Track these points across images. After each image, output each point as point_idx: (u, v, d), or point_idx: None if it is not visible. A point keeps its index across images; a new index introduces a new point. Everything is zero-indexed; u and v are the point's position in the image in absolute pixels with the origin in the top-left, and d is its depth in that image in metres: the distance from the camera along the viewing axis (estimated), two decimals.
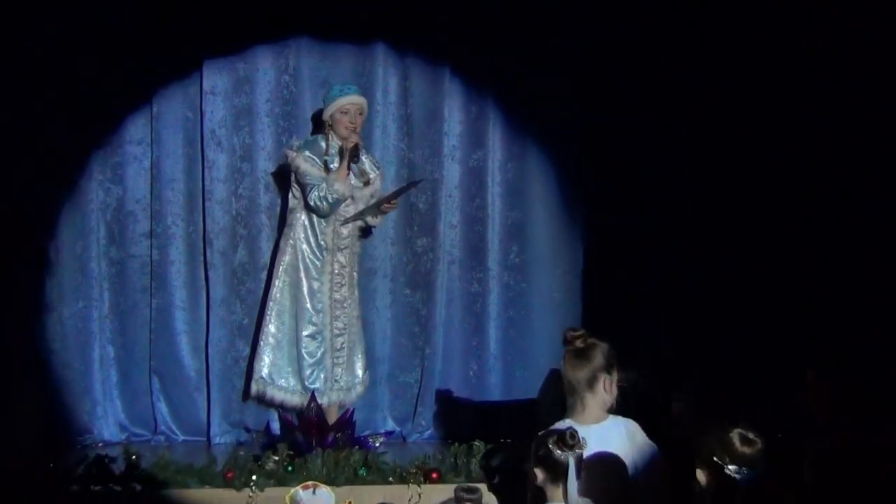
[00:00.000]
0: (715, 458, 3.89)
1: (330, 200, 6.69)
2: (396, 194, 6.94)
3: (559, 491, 4.73)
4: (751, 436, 3.90)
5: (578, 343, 4.95)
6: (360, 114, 6.86)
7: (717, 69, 7.23)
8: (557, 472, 4.73)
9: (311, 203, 6.72)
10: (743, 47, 7.15)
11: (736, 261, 7.23)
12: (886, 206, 6.35)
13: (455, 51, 7.58)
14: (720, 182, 7.31)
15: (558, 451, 4.76)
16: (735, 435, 3.89)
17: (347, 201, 6.81)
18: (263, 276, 7.40)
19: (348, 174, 6.76)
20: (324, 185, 6.68)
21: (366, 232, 7.12)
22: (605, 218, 7.60)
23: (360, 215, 6.84)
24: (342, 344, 6.92)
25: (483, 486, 5.71)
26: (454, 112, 7.66)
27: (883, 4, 6.30)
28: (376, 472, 6.11)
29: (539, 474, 4.88)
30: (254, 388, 6.99)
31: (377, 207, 6.85)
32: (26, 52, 6.93)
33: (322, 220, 6.82)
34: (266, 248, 7.45)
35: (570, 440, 4.76)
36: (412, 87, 7.59)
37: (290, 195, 6.90)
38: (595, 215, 7.67)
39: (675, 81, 7.37)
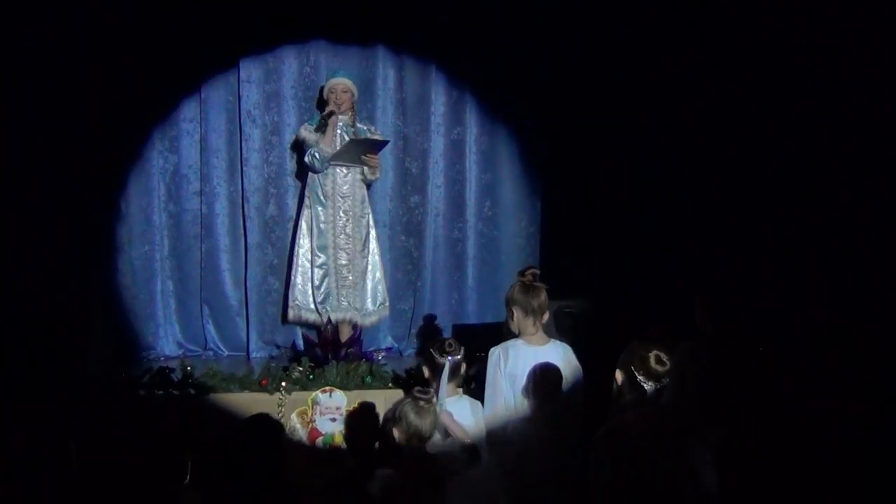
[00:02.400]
0: (632, 367, 3.83)
1: (318, 157, 6.77)
2: (365, 142, 6.85)
3: (435, 387, 4.74)
4: (664, 358, 3.82)
5: (538, 282, 4.92)
6: (345, 92, 6.89)
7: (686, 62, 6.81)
8: (436, 373, 4.76)
9: (306, 160, 6.83)
10: (735, 47, 6.50)
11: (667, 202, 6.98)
12: (886, 207, 5.61)
13: (440, 49, 7.49)
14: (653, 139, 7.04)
15: (437, 356, 4.76)
16: (652, 355, 3.82)
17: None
18: (290, 225, 7.36)
19: (334, 139, 6.84)
20: (314, 147, 6.76)
21: (367, 186, 7.04)
22: (557, 180, 7.53)
23: (337, 157, 6.80)
24: (347, 271, 6.92)
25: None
26: (439, 96, 7.58)
27: (883, 4, 5.65)
28: (379, 379, 6.16)
29: (426, 371, 4.89)
30: (290, 313, 7.04)
31: (352, 154, 6.79)
32: (99, 51, 6.87)
33: (321, 175, 6.85)
34: (291, 203, 7.41)
35: (447, 348, 4.77)
36: (406, 77, 7.52)
37: None
38: (550, 178, 7.59)
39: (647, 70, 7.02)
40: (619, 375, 3.91)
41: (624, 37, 7.07)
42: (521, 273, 4.99)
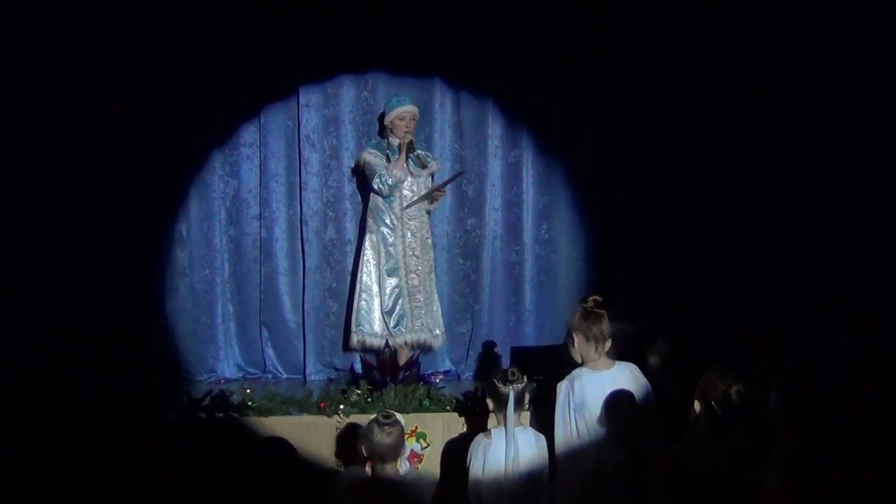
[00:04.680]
0: (712, 403, 3.85)
1: (390, 183, 6.75)
2: (445, 183, 6.98)
3: (502, 417, 4.74)
4: (745, 393, 3.86)
5: (604, 310, 4.87)
6: (413, 119, 6.90)
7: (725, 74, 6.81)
8: (500, 403, 4.74)
9: (375, 186, 6.80)
10: (752, 47, 6.61)
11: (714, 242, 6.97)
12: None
13: (497, 75, 7.46)
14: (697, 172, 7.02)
15: (501, 386, 4.74)
16: (734, 391, 3.84)
17: (409, 181, 6.85)
18: (348, 248, 7.40)
19: (406, 163, 6.81)
20: (384, 171, 6.74)
21: (428, 212, 7.10)
22: (615, 203, 7.43)
23: (417, 201, 6.85)
24: (418, 293, 6.93)
25: None
26: (496, 119, 7.55)
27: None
28: (437, 403, 6.13)
29: (489, 402, 4.87)
30: (354, 338, 6.98)
31: (430, 195, 6.89)
32: (162, 78, 6.97)
33: (388, 200, 6.85)
34: (350, 227, 7.43)
35: (510, 377, 4.76)
36: (463, 100, 7.52)
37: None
38: (608, 201, 7.48)
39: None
40: (697, 405, 3.94)
41: (677, 61, 7.05)
42: (583, 300, 4.96)
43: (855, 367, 4.57)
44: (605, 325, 4.82)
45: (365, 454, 4.42)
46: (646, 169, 7.25)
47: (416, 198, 6.86)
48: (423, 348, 7.03)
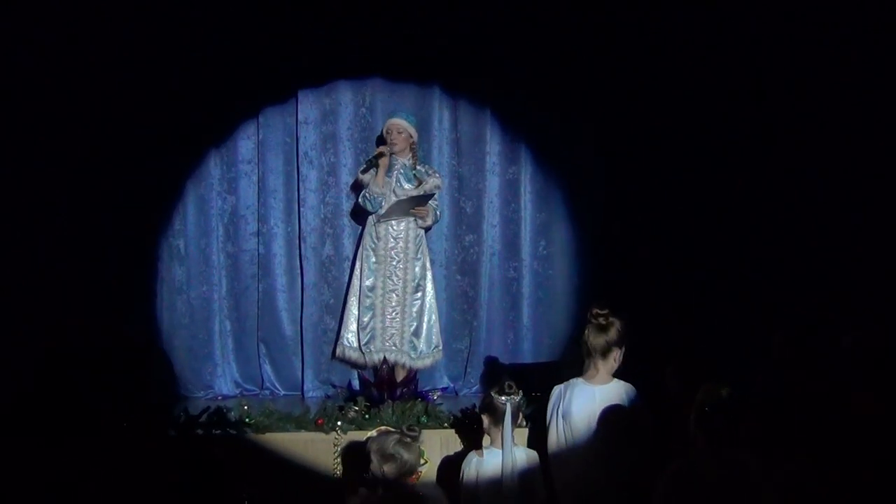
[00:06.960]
0: (705, 407, 3.83)
1: (369, 198, 6.84)
2: (413, 198, 6.87)
3: (499, 434, 4.70)
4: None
5: (601, 320, 4.86)
6: (400, 132, 6.91)
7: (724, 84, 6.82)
8: (497, 417, 4.70)
9: (359, 201, 6.95)
10: (752, 47, 6.65)
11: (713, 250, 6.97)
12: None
13: (496, 89, 7.45)
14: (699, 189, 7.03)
15: (498, 398, 4.70)
16: (724, 391, 3.84)
17: (393, 198, 6.85)
18: (346, 265, 7.36)
19: (386, 179, 6.87)
20: (366, 188, 6.84)
21: (425, 230, 7.10)
22: (613, 220, 7.40)
23: (387, 216, 6.87)
24: (396, 313, 6.94)
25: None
26: (494, 135, 7.53)
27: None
28: (435, 419, 6.11)
29: (485, 420, 4.83)
30: (337, 350, 7.09)
31: (402, 210, 6.84)
32: (159, 94, 6.96)
33: (373, 217, 6.91)
34: (348, 243, 7.42)
35: (507, 389, 4.72)
36: (461, 116, 7.51)
37: None
38: (606, 218, 7.45)
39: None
40: (693, 415, 3.91)
41: (677, 62, 7.04)
42: (589, 311, 4.93)
43: (855, 370, 4.53)
44: (603, 340, 4.81)
45: (383, 470, 4.36)
46: (646, 181, 7.22)
47: (385, 211, 6.87)
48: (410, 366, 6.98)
